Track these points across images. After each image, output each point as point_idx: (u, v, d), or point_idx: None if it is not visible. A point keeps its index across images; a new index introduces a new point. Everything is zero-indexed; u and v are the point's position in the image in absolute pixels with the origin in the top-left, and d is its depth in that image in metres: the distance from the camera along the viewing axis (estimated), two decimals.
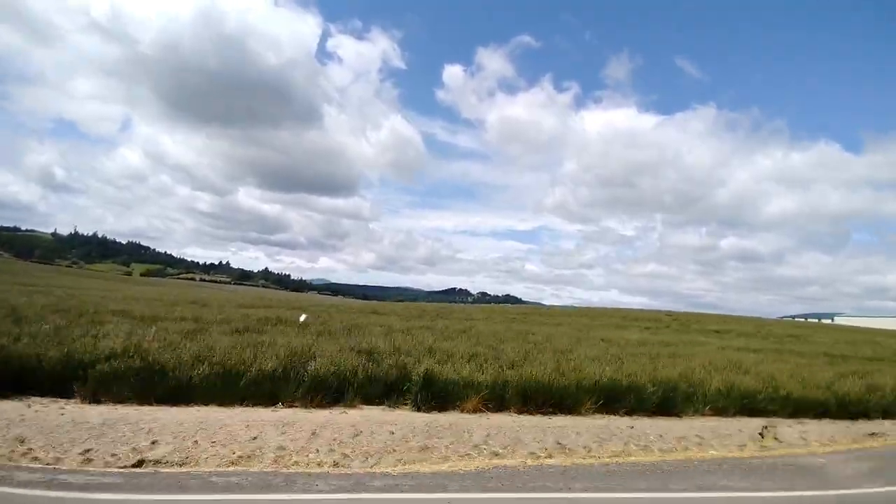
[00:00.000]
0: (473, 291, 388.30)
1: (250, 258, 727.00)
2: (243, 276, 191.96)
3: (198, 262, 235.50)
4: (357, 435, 6.56)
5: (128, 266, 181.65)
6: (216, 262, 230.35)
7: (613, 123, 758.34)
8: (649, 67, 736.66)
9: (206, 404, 7.44)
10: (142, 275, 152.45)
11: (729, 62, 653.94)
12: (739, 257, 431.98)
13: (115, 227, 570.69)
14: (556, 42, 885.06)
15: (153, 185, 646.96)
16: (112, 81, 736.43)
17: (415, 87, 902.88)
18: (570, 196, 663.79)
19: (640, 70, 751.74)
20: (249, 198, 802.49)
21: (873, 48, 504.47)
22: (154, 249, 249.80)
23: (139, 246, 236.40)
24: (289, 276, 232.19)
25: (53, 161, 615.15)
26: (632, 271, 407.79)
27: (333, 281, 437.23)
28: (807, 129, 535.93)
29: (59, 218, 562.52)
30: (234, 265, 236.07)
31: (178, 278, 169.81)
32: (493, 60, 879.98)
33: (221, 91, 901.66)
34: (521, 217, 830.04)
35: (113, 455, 5.36)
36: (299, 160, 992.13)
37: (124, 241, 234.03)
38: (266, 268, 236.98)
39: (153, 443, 5.73)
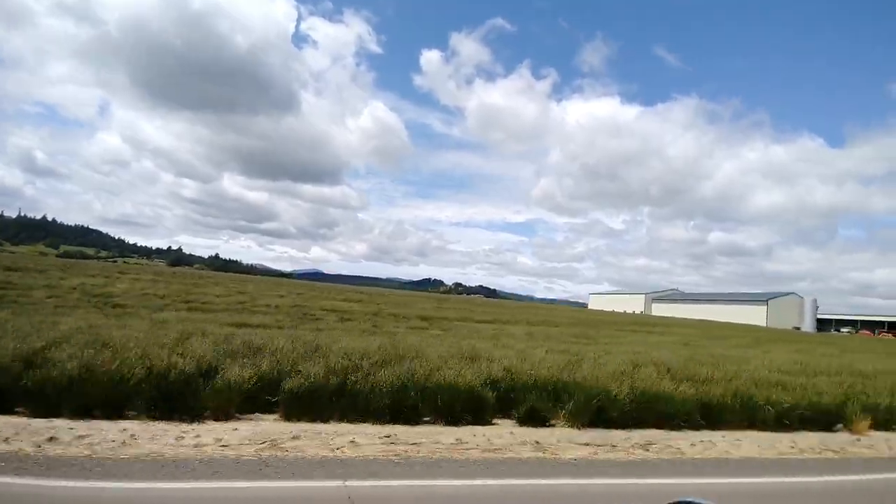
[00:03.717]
0: (449, 282, 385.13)
1: (242, 247, 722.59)
2: (179, 260, 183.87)
3: (148, 247, 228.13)
4: None
5: (56, 248, 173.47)
6: (164, 248, 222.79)
7: (595, 113, 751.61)
8: (626, 56, 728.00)
9: None
10: (58, 256, 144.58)
11: (707, 52, 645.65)
12: (728, 251, 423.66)
13: (104, 213, 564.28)
14: (531, 27, 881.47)
15: (136, 171, 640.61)
16: (86, 64, 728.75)
17: (393, 73, 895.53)
18: (557, 188, 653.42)
19: (617, 59, 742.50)
20: (234, 185, 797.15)
21: (852, 42, 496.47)
22: (108, 234, 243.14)
23: (87, 230, 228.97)
24: (238, 261, 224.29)
25: (34, 145, 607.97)
26: (623, 264, 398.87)
27: (325, 271, 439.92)
28: (789, 123, 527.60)
29: (49, 203, 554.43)
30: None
31: (107, 261, 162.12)
32: (468, 45, 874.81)
33: (198, 75, 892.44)
34: (513, 209, 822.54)
35: None
36: (281, 147, 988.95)
37: (71, 225, 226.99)
38: (216, 254, 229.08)
39: None
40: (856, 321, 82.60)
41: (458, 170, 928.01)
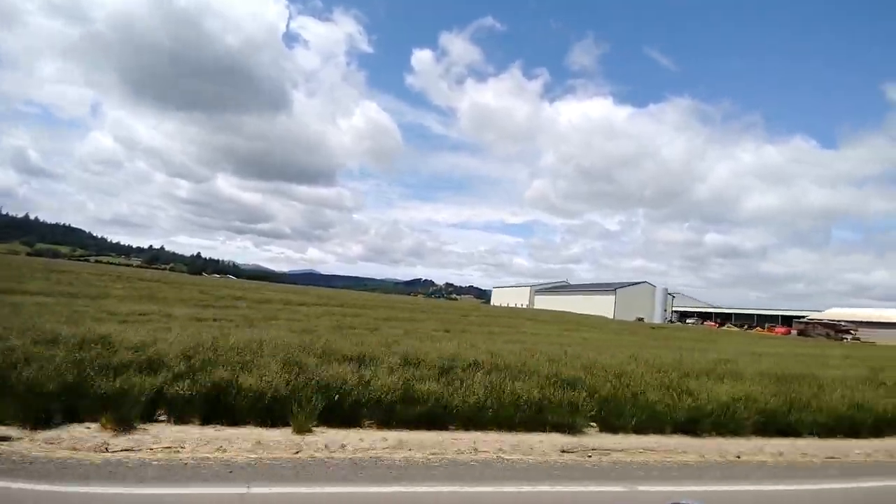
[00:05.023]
0: (439, 282, 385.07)
1: (238, 248, 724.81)
2: (156, 259, 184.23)
3: (128, 246, 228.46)
4: None
5: (31, 246, 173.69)
6: (145, 247, 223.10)
7: (588, 114, 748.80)
8: (618, 57, 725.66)
9: None
10: (28, 254, 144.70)
11: (701, 53, 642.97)
12: (723, 253, 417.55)
13: (98, 213, 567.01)
14: (520, 26, 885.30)
15: (129, 171, 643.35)
16: (77, 64, 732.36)
17: (385, 73, 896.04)
18: (552, 189, 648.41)
19: (609, 59, 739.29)
20: (228, 185, 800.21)
21: (848, 43, 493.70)
22: (91, 233, 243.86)
23: (70, 228, 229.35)
24: (220, 260, 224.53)
25: (27, 145, 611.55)
26: (619, 266, 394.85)
27: (322, 272, 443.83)
28: (784, 124, 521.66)
29: (43, 203, 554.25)
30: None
31: (80, 259, 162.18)
32: (458, 45, 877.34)
33: (189, 75, 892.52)
34: (510, 211, 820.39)
35: None
36: (274, 147, 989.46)
37: (52, 223, 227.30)
38: (198, 253, 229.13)
39: None
40: (724, 315, 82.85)
41: (456, 171, 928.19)
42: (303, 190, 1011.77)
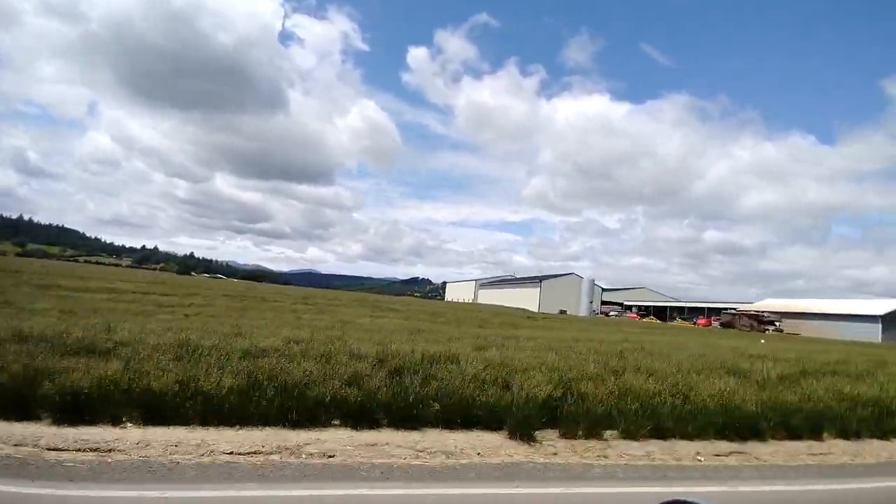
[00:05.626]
0: (437, 281, 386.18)
1: (238, 248, 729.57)
2: (144, 259, 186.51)
3: (123, 245, 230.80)
4: None
5: (22, 247, 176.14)
6: (138, 247, 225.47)
7: (585, 111, 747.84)
8: (613, 53, 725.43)
9: None
10: (17, 255, 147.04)
11: (698, 51, 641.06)
12: (723, 250, 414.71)
13: (98, 213, 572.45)
14: (516, 22, 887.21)
15: (128, 171, 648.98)
16: (73, 63, 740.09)
17: (381, 72, 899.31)
18: (550, 187, 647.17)
19: (604, 55, 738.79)
20: (227, 185, 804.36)
21: (847, 41, 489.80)
22: (84, 233, 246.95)
23: (63, 229, 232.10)
24: (213, 260, 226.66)
25: (25, 145, 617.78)
26: (619, 264, 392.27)
27: (322, 272, 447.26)
28: (782, 121, 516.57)
29: (44, 203, 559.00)
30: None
31: (69, 260, 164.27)
32: (454, 42, 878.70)
33: (185, 74, 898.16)
34: (509, 209, 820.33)
35: None
36: (271, 146, 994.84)
37: (45, 224, 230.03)
38: (191, 252, 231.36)
39: None
40: (679, 308, 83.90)
41: (455, 170, 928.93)
42: (302, 189, 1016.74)
